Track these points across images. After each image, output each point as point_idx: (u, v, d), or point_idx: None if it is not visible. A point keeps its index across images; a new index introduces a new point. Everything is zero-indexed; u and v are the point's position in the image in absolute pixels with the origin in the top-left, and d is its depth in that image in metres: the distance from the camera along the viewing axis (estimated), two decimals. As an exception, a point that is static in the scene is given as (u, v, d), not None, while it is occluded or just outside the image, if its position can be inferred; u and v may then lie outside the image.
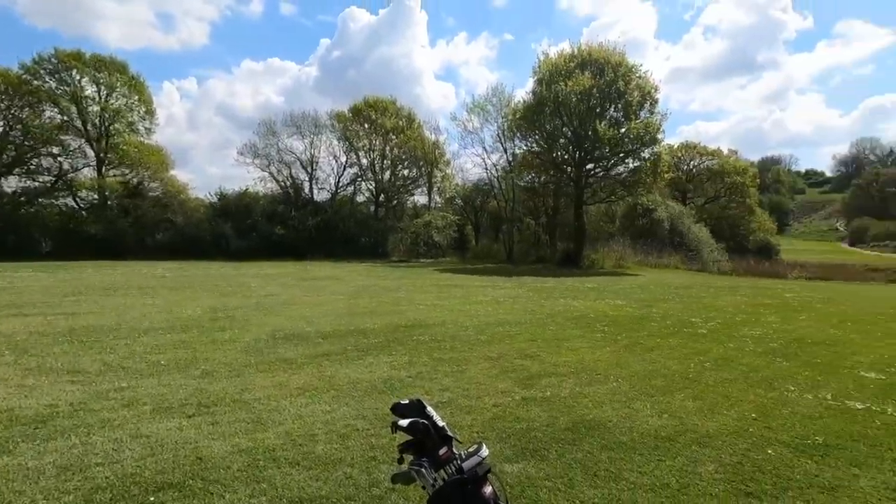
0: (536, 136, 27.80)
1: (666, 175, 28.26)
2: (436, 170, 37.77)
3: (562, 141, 26.95)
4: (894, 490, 3.00)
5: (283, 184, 35.50)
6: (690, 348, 6.79)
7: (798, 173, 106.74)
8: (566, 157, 27.65)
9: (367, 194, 38.09)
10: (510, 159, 32.71)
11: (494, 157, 33.91)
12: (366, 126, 35.70)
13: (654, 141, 25.33)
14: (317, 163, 35.82)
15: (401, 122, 36.02)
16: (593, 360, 6.05)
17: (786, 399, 4.68)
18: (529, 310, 10.10)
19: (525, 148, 30.04)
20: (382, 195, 37.19)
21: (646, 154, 25.82)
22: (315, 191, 36.32)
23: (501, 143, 32.80)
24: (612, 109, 25.53)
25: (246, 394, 4.55)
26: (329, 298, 11.34)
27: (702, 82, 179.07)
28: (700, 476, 3.14)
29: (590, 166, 27.19)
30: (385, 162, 36.75)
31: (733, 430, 3.89)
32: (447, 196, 39.70)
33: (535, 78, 27.06)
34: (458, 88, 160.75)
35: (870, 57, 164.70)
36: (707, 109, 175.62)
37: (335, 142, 36.22)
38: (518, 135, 29.44)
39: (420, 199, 40.36)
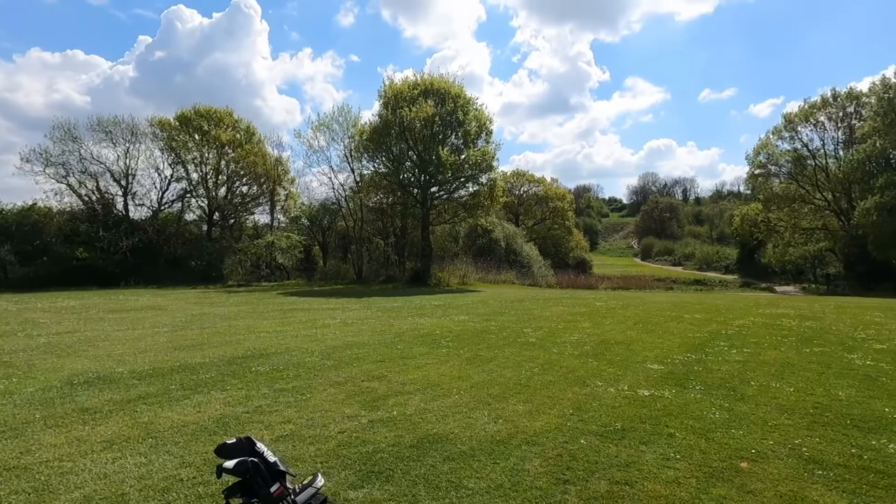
0: (383, 158, 28.45)
1: (501, 199, 31.35)
2: (279, 188, 35.74)
3: (408, 164, 28.06)
4: (668, 459, 3.72)
5: (86, 198, 29.77)
6: (522, 356, 7.52)
7: (603, 200, 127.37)
8: (412, 179, 28.76)
9: (198, 212, 34.14)
10: (358, 179, 32.69)
11: (342, 177, 33.59)
12: (196, 137, 32.17)
13: (490, 168, 28.04)
14: (133, 175, 30.97)
15: (238, 135, 33.34)
16: (438, 375, 6.31)
17: (595, 393, 5.48)
18: (378, 330, 10.12)
19: (372, 169, 30.48)
20: (217, 213, 33.77)
21: (483, 179, 28.44)
22: (132, 207, 31.24)
23: (349, 163, 32.62)
24: (453, 137, 27.49)
25: (27, 457, 3.70)
26: (148, 332, 9.87)
27: (528, 117, 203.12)
28: (528, 472, 3.49)
29: (434, 189, 28.73)
30: (220, 177, 33.49)
31: (555, 426, 4.41)
32: (292, 215, 37.88)
33: (381, 101, 27.85)
34: (303, 104, 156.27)
35: (649, 108, 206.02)
36: (534, 141, 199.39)
37: (157, 152, 31.78)
38: (365, 156, 29.68)
39: (262, 218, 37.64)
